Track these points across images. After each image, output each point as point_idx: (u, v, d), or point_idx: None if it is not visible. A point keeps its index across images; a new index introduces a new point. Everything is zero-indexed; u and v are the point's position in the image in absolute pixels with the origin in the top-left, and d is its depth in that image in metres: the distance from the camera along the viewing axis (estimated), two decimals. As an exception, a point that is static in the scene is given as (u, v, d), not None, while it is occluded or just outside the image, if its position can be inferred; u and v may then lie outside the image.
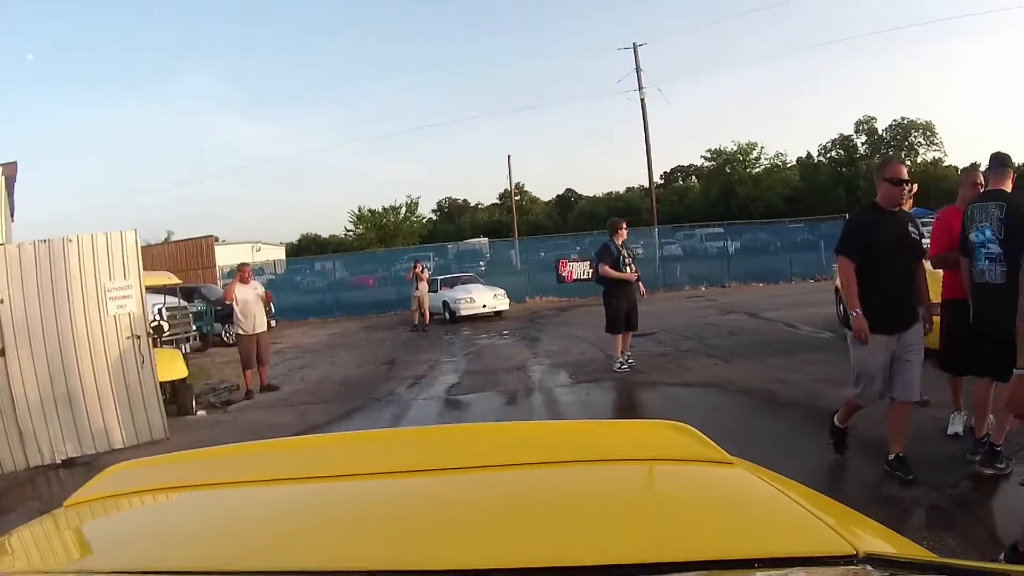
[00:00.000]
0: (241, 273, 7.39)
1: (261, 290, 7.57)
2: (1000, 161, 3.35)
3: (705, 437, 1.04)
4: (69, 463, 5.53)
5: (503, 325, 12.91)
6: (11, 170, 5.74)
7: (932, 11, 65.44)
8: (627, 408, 5.73)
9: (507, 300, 14.78)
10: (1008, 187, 3.28)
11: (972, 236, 3.29)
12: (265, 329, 7.46)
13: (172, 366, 6.59)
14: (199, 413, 6.79)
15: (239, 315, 7.19)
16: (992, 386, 3.32)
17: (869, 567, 0.61)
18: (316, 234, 54.22)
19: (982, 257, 3.23)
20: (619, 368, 6.76)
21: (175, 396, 6.70)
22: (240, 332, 7.27)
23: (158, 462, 1.26)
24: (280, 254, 36.61)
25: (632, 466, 1.02)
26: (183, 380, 6.87)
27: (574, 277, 17.91)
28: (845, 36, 68.93)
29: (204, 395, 7.49)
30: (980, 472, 3.22)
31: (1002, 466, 3.18)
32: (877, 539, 0.78)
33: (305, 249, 47.86)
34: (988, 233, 3.19)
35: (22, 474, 5.37)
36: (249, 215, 77.54)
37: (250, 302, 7.18)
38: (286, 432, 5.77)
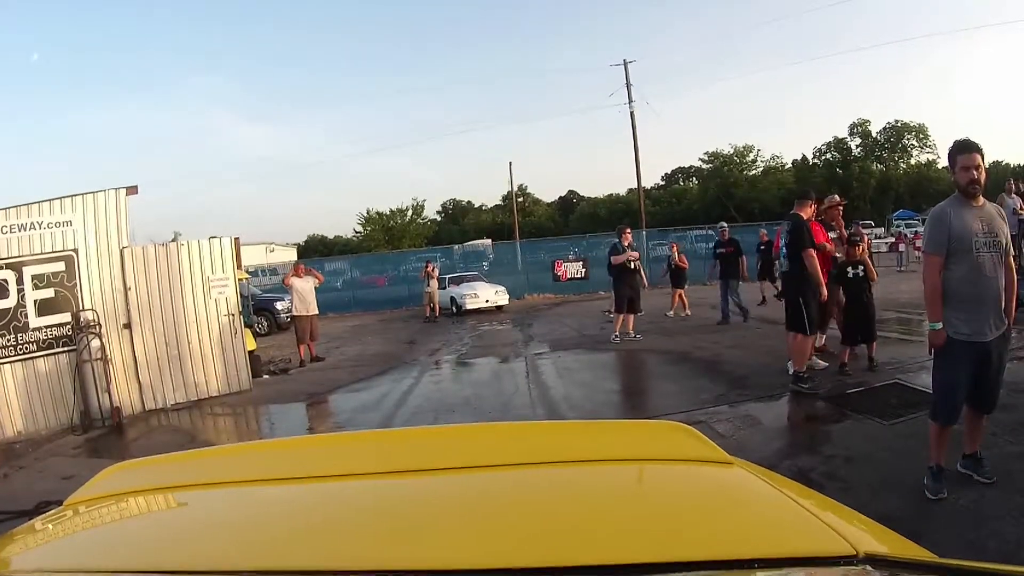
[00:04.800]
0: (296, 269, 9.53)
1: (314, 281, 9.66)
2: (800, 194, 5.51)
3: (704, 438, 1.05)
4: (175, 407, 7.48)
5: (503, 316, 14.91)
6: (133, 191, 7.76)
7: (927, 16, 67.04)
8: (583, 362, 7.86)
9: (507, 296, 16.69)
10: (804, 213, 5.31)
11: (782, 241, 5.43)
12: (316, 312, 9.55)
13: (247, 340, 8.60)
14: (265, 376, 8.82)
15: (297, 300, 9.28)
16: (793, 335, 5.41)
17: (869, 567, 0.61)
18: (322, 235, 56.08)
19: (782, 255, 5.29)
20: (614, 340, 8.70)
21: (248, 363, 8.72)
22: (296, 314, 9.36)
23: (158, 462, 1.25)
24: (292, 255, 38.34)
25: (632, 466, 1.02)
26: (252, 351, 8.89)
27: (568, 276, 19.86)
28: (842, 40, 70.45)
29: (264, 365, 9.51)
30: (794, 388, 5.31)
31: (805, 386, 5.22)
32: (877, 539, 0.77)
33: (312, 250, 49.02)
34: (783, 240, 5.24)
35: (139, 415, 7.24)
36: (255, 216, 79.78)
37: (306, 291, 9.28)
38: (341, 382, 7.89)
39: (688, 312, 10.93)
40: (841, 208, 6.25)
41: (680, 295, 11.14)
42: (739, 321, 9.52)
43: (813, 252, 5.23)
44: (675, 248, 11.83)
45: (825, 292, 5.30)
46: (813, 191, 6.22)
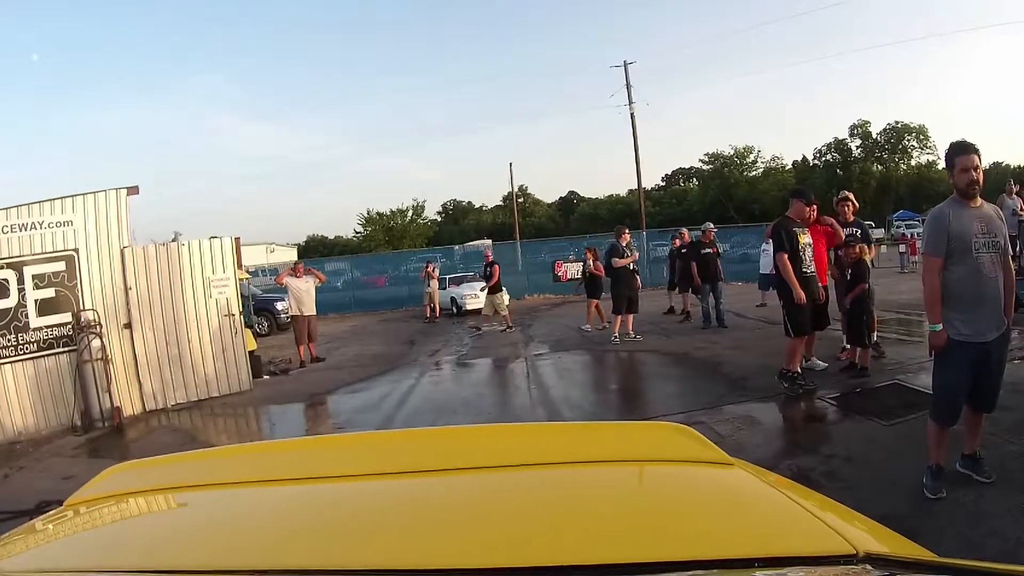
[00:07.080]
0: (295, 268, 9.53)
1: (315, 281, 9.63)
2: (790, 193, 5.63)
3: (704, 438, 1.05)
4: (176, 408, 7.46)
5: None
6: (134, 191, 7.77)
7: (927, 16, 67.11)
8: (584, 363, 7.89)
9: (508, 296, 16.68)
10: (792, 214, 5.33)
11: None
12: (314, 313, 9.56)
13: (248, 340, 8.61)
14: (265, 377, 8.82)
15: (293, 300, 9.31)
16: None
17: (869, 567, 0.61)
18: (323, 235, 55.90)
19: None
20: (614, 341, 8.67)
21: (249, 363, 8.72)
22: (295, 314, 9.36)
23: (158, 463, 1.26)
24: (293, 255, 38.38)
25: (632, 467, 1.02)
26: (253, 351, 8.89)
27: (568, 277, 19.83)
28: (842, 40, 70.52)
29: (265, 366, 9.50)
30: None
31: (785, 384, 5.27)
32: (877, 539, 0.77)
33: (312, 250, 48.99)
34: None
35: (139, 415, 7.24)
36: (256, 216, 79.77)
37: (303, 291, 9.28)
38: (342, 382, 7.90)
39: (606, 324, 9.73)
40: (848, 205, 6.01)
41: (596, 305, 10.15)
42: (718, 325, 9.27)
43: (785, 257, 5.15)
44: (592, 255, 10.26)
45: (801, 295, 5.10)
46: (803, 189, 6.03)
